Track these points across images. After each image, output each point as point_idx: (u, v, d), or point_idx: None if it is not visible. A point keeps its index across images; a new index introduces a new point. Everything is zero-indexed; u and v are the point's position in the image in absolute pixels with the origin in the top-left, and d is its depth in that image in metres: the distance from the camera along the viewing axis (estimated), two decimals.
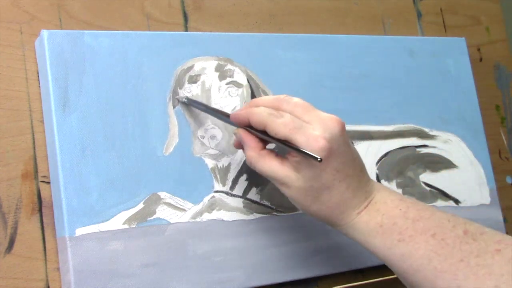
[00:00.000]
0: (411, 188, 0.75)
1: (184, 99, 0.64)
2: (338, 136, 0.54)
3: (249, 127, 0.58)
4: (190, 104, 0.65)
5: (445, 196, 0.77)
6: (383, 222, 0.55)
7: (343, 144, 0.55)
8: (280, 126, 0.54)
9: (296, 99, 0.56)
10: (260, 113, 0.56)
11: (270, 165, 0.56)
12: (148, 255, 0.60)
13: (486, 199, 0.80)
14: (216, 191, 0.65)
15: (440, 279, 0.51)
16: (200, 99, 0.65)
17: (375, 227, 0.55)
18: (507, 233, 0.81)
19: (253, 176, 0.67)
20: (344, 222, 0.56)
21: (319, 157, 0.52)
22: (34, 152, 0.61)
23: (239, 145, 0.60)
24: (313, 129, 0.54)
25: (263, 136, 0.56)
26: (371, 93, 0.76)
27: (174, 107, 0.65)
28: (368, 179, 0.58)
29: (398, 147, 0.76)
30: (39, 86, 0.62)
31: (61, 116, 0.59)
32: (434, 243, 0.52)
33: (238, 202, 0.65)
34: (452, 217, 0.54)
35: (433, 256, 0.52)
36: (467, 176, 0.80)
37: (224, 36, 0.69)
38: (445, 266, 0.51)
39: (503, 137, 0.90)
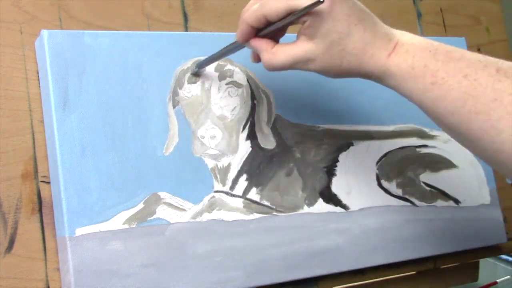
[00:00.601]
0: (411, 188, 0.75)
1: (195, 69, 0.65)
2: None
3: (255, 35, 0.57)
4: (202, 68, 0.65)
5: (445, 196, 0.77)
6: (414, 65, 0.54)
7: None
8: (276, 4, 0.54)
9: None
10: (253, 11, 0.55)
11: (287, 53, 0.56)
12: (148, 255, 0.60)
13: (486, 199, 0.80)
14: (216, 191, 0.65)
15: (475, 121, 0.51)
16: (200, 100, 0.65)
17: (407, 69, 0.54)
18: (507, 233, 0.81)
19: (253, 176, 0.67)
20: (377, 68, 0.56)
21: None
22: (34, 152, 0.61)
23: (257, 58, 0.60)
24: None
25: (270, 28, 0.56)
26: (372, 93, 0.76)
27: (174, 107, 0.65)
28: (383, 24, 0.57)
29: (398, 147, 0.76)
30: (39, 86, 0.62)
31: (61, 116, 0.59)
32: (467, 84, 0.52)
33: (238, 202, 0.65)
34: (484, 57, 0.53)
35: (467, 97, 0.51)
36: (467, 176, 0.80)
37: (224, 36, 0.69)
38: (479, 107, 0.51)
39: None
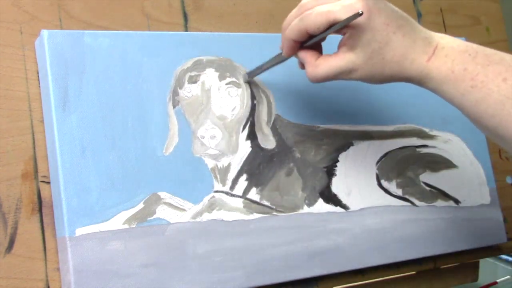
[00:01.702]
0: (411, 188, 0.75)
1: (247, 78, 0.67)
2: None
3: (300, 47, 0.60)
4: (252, 76, 0.67)
5: (445, 196, 0.77)
6: (454, 68, 0.55)
7: (379, 0, 0.56)
8: (316, 18, 0.56)
9: None
10: (295, 25, 0.58)
11: (330, 64, 0.58)
12: (148, 255, 0.60)
13: (486, 199, 0.80)
14: (216, 191, 0.65)
15: None
16: (200, 100, 0.66)
17: (447, 73, 0.55)
18: (507, 233, 0.81)
19: (253, 176, 0.67)
20: (419, 72, 0.57)
21: (360, 11, 0.53)
22: (34, 152, 0.61)
23: (303, 65, 0.62)
24: (343, 2, 0.55)
25: (313, 40, 0.58)
26: (371, 93, 0.76)
27: (174, 107, 0.65)
28: (422, 28, 0.58)
29: (398, 147, 0.76)
30: (39, 86, 0.62)
31: (61, 116, 0.59)
32: (506, 88, 0.53)
33: (238, 202, 0.65)
34: None
35: (506, 101, 0.53)
36: (467, 176, 0.80)
37: (224, 36, 0.69)
38: None
39: None
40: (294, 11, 0.59)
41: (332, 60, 0.58)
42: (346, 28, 0.56)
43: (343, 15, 0.54)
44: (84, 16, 0.66)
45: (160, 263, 0.60)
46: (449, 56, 0.56)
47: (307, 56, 0.60)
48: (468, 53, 0.56)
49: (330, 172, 0.71)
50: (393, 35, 0.56)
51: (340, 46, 0.58)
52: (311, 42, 0.59)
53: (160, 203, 0.62)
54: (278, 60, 0.64)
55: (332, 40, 0.61)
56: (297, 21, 0.57)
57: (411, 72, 0.57)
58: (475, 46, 0.56)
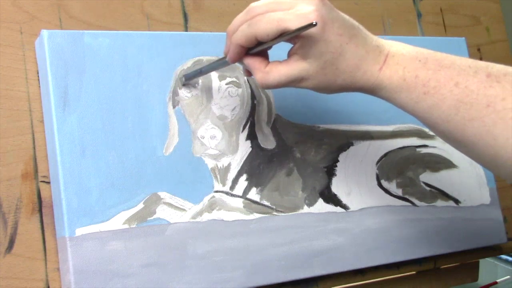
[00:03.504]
0: (411, 188, 0.75)
1: (183, 80, 0.65)
2: (321, 5, 0.54)
3: (246, 53, 0.57)
4: (189, 80, 0.65)
5: (445, 196, 0.77)
6: (406, 76, 0.55)
7: (331, 9, 0.54)
8: (266, 26, 0.53)
9: (262, 0, 0.56)
10: (242, 31, 0.55)
11: (280, 71, 0.56)
12: (148, 255, 0.60)
13: (486, 199, 0.80)
14: (216, 191, 0.65)
15: (469, 127, 0.52)
16: (200, 100, 0.66)
17: (398, 81, 0.55)
18: (507, 233, 0.81)
19: (253, 176, 0.67)
20: (371, 83, 0.56)
21: (314, 21, 0.51)
22: (34, 152, 0.61)
23: (249, 73, 0.60)
24: (296, 10, 0.53)
25: (261, 47, 0.56)
26: None
27: (174, 107, 0.65)
28: (373, 36, 0.57)
29: (398, 147, 0.76)
30: (39, 86, 0.62)
31: (61, 116, 0.59)
32: (459, 92, 0.52)
33: (238, 202, 0.65)
34: (473, 63, 0.54)
35: (459, 105, 0.52)
36: (467, 176, 0.80)
37: (224, 36, 0.69)
38: (472, 113, 0.51)
39: None
40: (242, 15, 0.56)
41: (283, 68, 0.56)
42: (298, 37, 0.54)
43: (295, 24, 0.52)
44: (84, 16, 0.66)
45: (160, 263, 0.60)
46: (400, 63, 0.55)
47: (255, 63, 0.57)
48: (419, 59, 0.55)
49: (330, 172, 0.71)
50: (346, 46, 0.55)
51: (290, 54, 0.56)
52: (258, 49, 0.56)
53: (160, 203, 0.62)
54: (221, 65, 0.61)
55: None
56: (246, 27, 0.55)
57: (363, 82, 0.56)
58: (425, 51, 0.56)
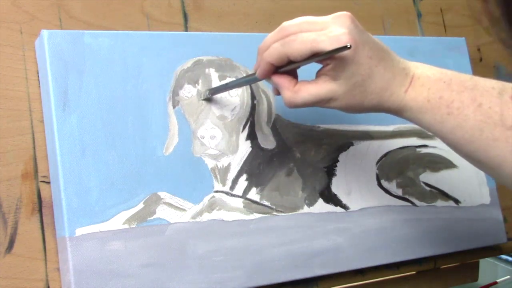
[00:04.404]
0: (411, 188, 0.75)
1: (207, 94, 0.65)
2: (353, 27, 0.55)
3: (275, 71, 0.58)
4: (214, 94, 0.65)
5: (445, 196, 0.77)
6: (430, 97, 0.55)
7: (362, 32, 0.56)
8: (300, 46, 0.54)
9: (296, 19, 0.57)
10: (275, 49, 0.56)
11: (309, 91, 0.57)
12: (148, 255, 0.60)
13: (486, 199, 0.80)
14: (216, 191, 0.65)
15: (493, 148, 0.53)
16: (200, 99, 0.66)
17: (423, 103, 0.56)
18: (506, 233, 0.81)
19: (253, 176, 0.67)
20: (396, 104, 0.57)
21: (348, 44, 0.52)
22: (34, 152, 0.61)
23: (278, 91, 0.61)
24: (329, 32, 0.54)
25: (291, 66, 0.57)
26: None
27: (174, 107, 0.65)
28: (400, 58, 0.58)
29: (398, 147, 0.76)
30: (39, 86, 0.62)
31: (61, 116, 0.59)
32: (482, 113, 0.53)
33: (238, 202, 0.65)
34: (497, 84, 0.55)
35: (483, 126, 0.53)
36: (467, 176, 0.80)
37: (224, 36, 0.69)
38: (496, 134, 0.52)
39: None
40: (274, 34, 0.57)
41: (312, 87, 0.57)
42: (329, 58, 0.55)
43: (328, 46, 0.53)
44: (84, 16, 0.66)
45: (160, 263, 0.60)
46: (425, 85, 0.56)
47: (284, 81, 0.58)
48: (443, 81, 0.56)
49: (330, 172, 0.71)
50: (375, 68, 0.55)
51: (320, 74, 0.57)
52: (288, 68, 0.57)
53: (160, 203, 0.62)
54: (250, 81, 0.62)
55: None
56: (279, 45, 0.56)
57: (390, 104, 0.57)
58: (449, 72, 0.56)
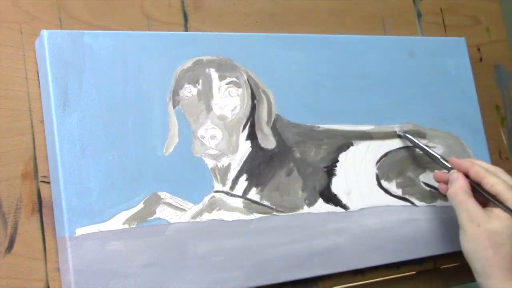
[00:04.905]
0: (411, 188, 0.75)
1: (401, 133, 0.74)
2: None
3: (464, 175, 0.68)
4: (406, 138, 0.75)
5: (445, 196, 0.77)
6: None
7: None
8: (498, 182, 0.65)
9: (509, 176, 0.67)
10: (480, 168, 0.67)
11: (472, 202, 0.65)
12: (148, 255, 0.60)
13: None
14: (216, 191, 0.65)
15: None
16: (202, 99, 0.66)
17: None
18: None
19: (253, 176, 0.67)
20: (499, 280, 0.61)
21: None
22: (34, 152, 0.61)
23: (444, 182, 0.71)
24: None
25: (475, 185, 0.67)
26: (371, 93, 0.76)
27: (174, 107, 0.65)
28: None
29: (398, 147, 0.76)
30: (39, 86, 0.62)
31: (61, 116, 0.59)
32: None
33: (238, 202, 0.65)
34: None
35: None
36: None
37: (224, 36, 0.69)
38: None
39: (503, 137, 0.90)
40: (490, 166, 0.69)
41: (476, 204, 0.66)
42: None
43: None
44: (84, 16, 0.66)
45: (160, 263, 0.60)
46: None
47: (466, 181, 0.68)
48: None
49: (330, 172, 0.71)
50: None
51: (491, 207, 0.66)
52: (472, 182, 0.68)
53: (160, 203, 0.62)
54: (439, 160, 0.72)
55: None
56: (484, 171, 0.67)
57: (491, 276, 0.62)
58: None
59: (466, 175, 0.68)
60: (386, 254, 0.71)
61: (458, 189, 0.67)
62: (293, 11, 0.78)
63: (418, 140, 0.74)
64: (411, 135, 0.75)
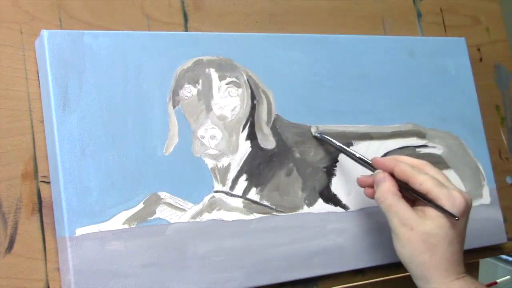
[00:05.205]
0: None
1: (317, 134, 0.70)
2: (469, 206, 0.62)
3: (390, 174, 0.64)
4: (323, 139, 0.70)
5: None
6: None
7: (468, 214, 0.62)
8: (426, 179, 0.61)
9: (437, 169, 0.64)
10: (406, 165, 0.63)
11: (402, 205, 0.61)
12: (148, 255, 0.60)
13: (486, 199, 0.80)
14: (216, 191, 0.65)
15: None
16: (202, 99, 0.66)
17: None
18: (506, 233, 0.81)
19: (253, 176, 0.67)
20: (438, 283, 0.59)
21: (457, 217, 0.59)
22: (34, 152, 0.61)
23: (369, 185, 0.66)
24: (453, 190, 0.61)
25: (402, 184, 0.63)
26: (371, 93, 0.76)
27: (174, 107, 0.65)
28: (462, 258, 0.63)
29: (397, 147, 0.76)
30: (39, 86, 0.62)
31: (61, 116, 0.59)
32: None
33: (238, 202, 0.65)
34: None
35: None
36: (467, 176, 0.79)
37: (224, 36, 0.69)
38: None
39: (503, 137, 0.90)
40: (415, 160, 0.64)
41: (407, 206, 0.62)
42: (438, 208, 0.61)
43: (445, 197, 0.60)
44: (84, 16, 0.66)
45: (160, 263, 0.60)
46: (475, 283, 0.61)
47: (392, 181, 0.63)
48: None
49: (330, 172, 0.71)
50: (457, 242, 0.60)
51: (421, 206, 0.62)
52: (399, 182, 0.63)
53: (160, 203, 0.62)
54: (362, 162, 0.67)
55: None
56: (410, 168, 0.62)
57: (433, 278, 0.60)
58: None
59: (392, 175, 0.64)
60: (386, 254, 0.71)
61: (386, 191, 0.62)
62: (293, 11, 0.78)
63: (335, 141, 0.69)
64: (327, 136, 0.70)
